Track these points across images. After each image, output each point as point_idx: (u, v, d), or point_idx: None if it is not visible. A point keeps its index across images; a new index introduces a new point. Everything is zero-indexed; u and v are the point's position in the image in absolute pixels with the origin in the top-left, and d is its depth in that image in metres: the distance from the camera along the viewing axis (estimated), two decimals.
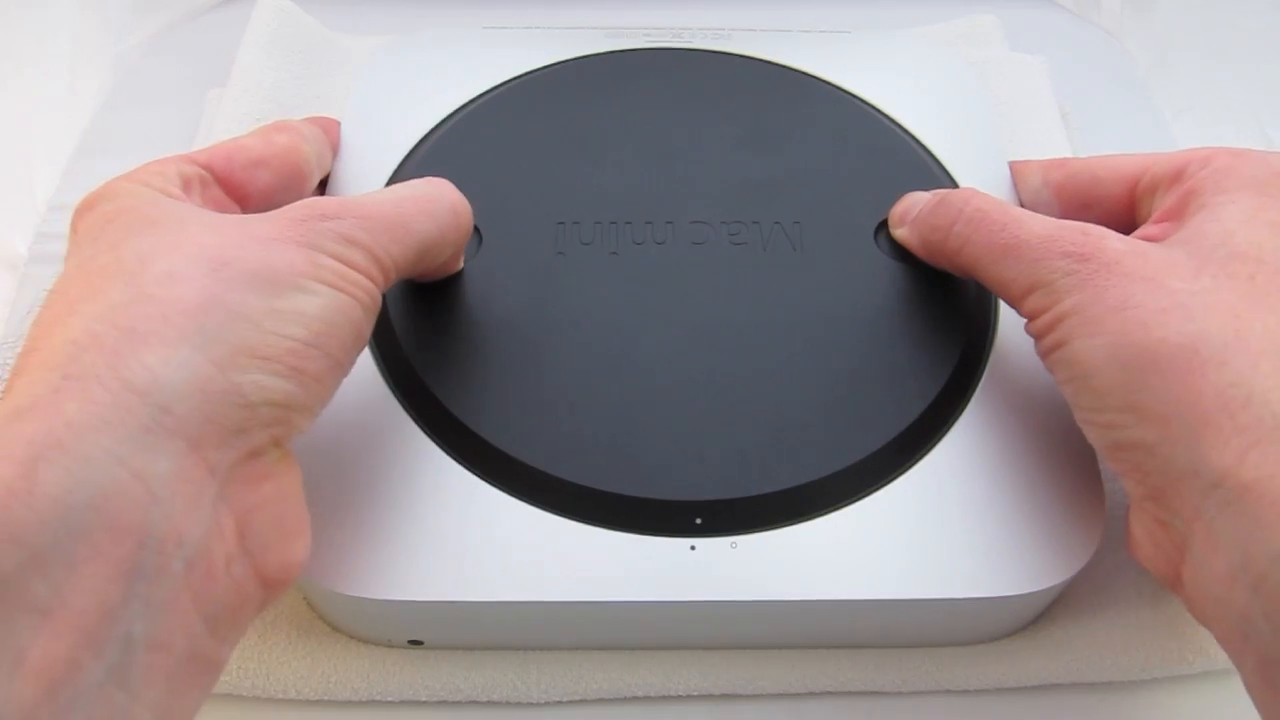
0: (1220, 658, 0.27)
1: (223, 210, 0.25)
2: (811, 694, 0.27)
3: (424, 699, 0.27)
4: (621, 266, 0.29)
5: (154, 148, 0.26)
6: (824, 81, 0.35)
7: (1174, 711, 0.28)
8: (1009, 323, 0.29)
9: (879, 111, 0.34)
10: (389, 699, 0.27)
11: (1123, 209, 0.28)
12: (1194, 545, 0.21)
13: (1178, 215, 0.25)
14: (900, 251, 0.30)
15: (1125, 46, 0.48)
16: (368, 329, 0.23)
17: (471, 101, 0.34)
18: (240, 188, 0.26)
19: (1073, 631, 0.28)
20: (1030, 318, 0.25)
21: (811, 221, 0.31)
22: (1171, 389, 0.21)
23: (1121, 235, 0.24)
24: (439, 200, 0.25)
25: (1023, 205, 0.31)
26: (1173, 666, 0.27)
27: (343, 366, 0.22)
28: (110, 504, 0.17)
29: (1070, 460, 0.27)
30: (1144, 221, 0.27)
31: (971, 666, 0.27)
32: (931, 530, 0.25)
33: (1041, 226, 0.25)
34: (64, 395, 0.18)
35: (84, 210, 0.23)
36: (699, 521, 0.25)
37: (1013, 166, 0.32)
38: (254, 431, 0.20)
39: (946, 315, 0.29)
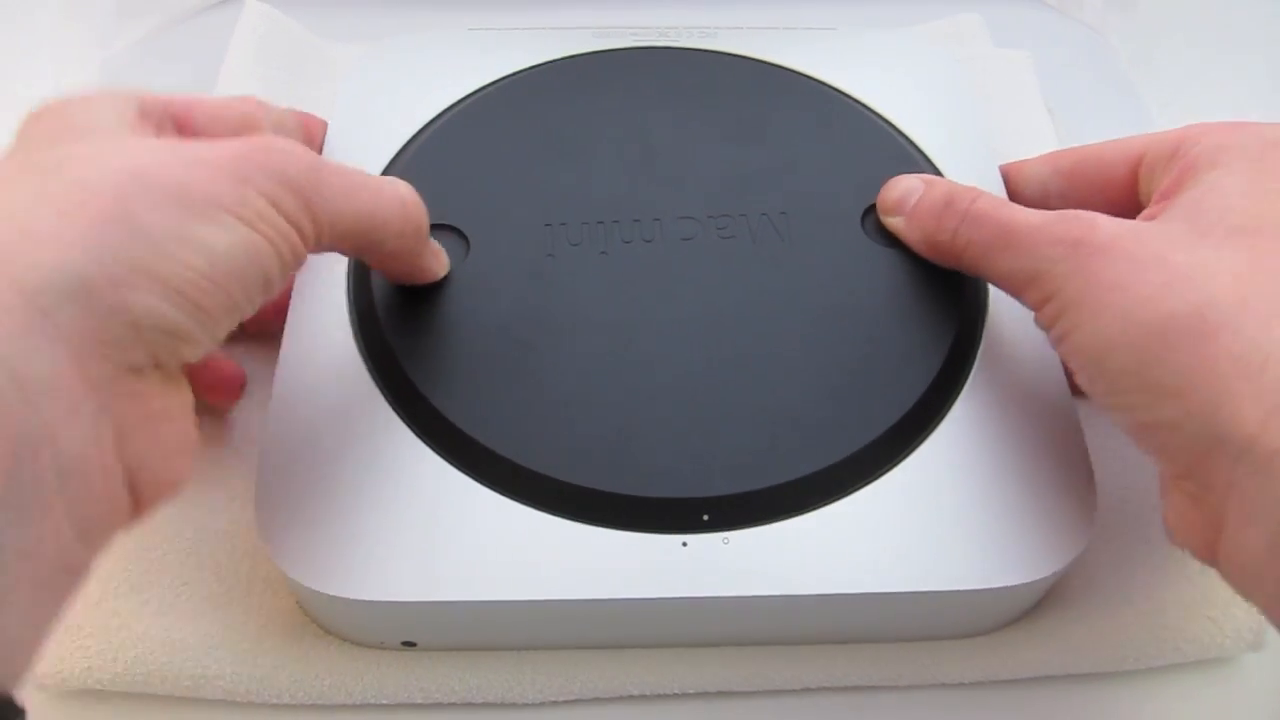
0: (1213, 647, 0.27)
1: None
2: (807, 690, 0.27)
3: (418, 701, 0.27)
4: (611, 266, 0.29)
5: None
6: (808, 77, 0.35)
7: (1168, 702, 0.28)
8: (999, 305, 0.30)
9: (863, 105, 0.35)
10: (383, 702, 0.27)
11: (1128, 189, 0.28)
12: (1229, 518, 0.21)
13: (1174, 192, 0.25)
14: (888, 237, 0.30)
15: (1109, 42, 0.48)
16: (280, 281, 0.22)
17: (457, 104, 0.34)
18: (196, 135, 0.25)
19: (1066, 623, 0.28)
20: (1035, 310, 0.25)
21: (798, 211, 0.31)
22: (1185, 361, 0.21)
23: (1115, 218, 0.24)
24: (387, 185, 0.25)
25: (1028, 201, 0.31)
26: (1166, 656, 0.27)
27: (241, 311, 0.21)
28: None
29: (1062, 451, 0.27)
30: (1146, 201, 0.27)
31: (965, 660, 0.27)
32: (924, 522, 0.25)
33: (1034, 217, 0.25)
34: None
35: (34, 119, 0.22)
36: (706, 518, 0.25)
37: (1011, 167, 0.32)
38: (134, 349, 0.19)
39: (938, 299, 0.29)
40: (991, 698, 0.28)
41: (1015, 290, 0.26)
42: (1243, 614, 0.27)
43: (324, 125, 0.32)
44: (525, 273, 0.29)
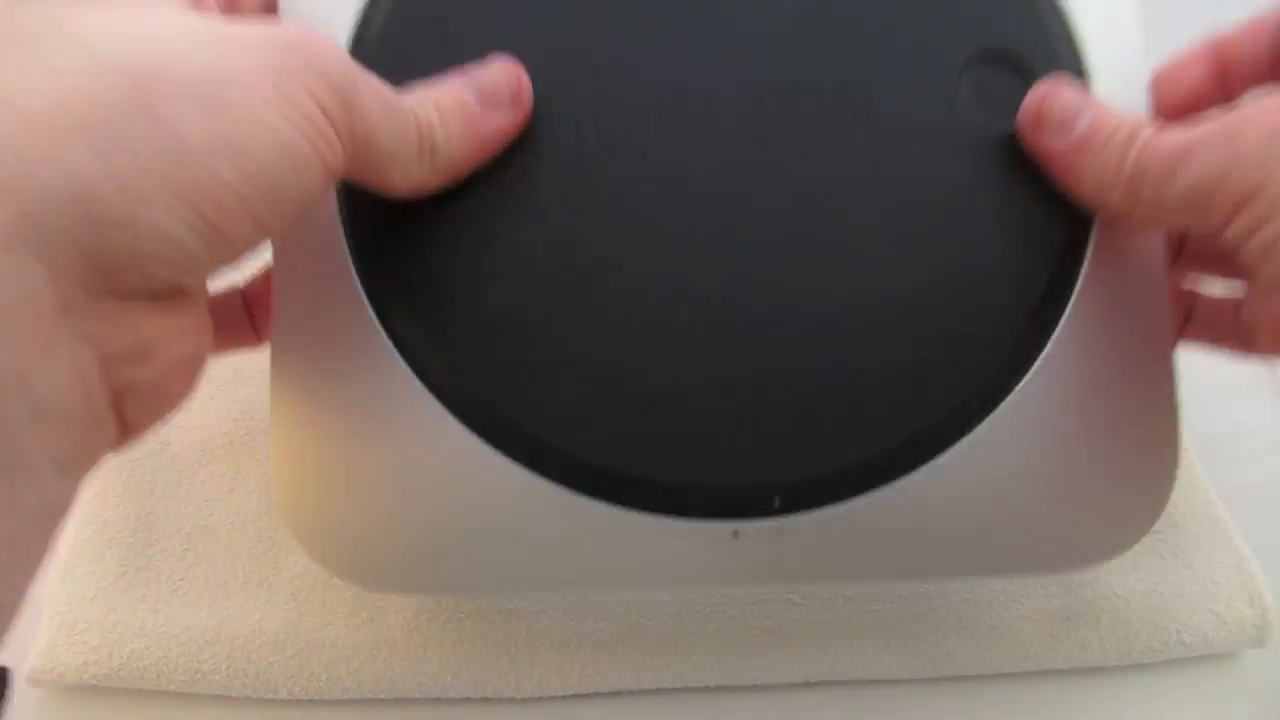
0: (1217, 642, 0.27)
1: None
2: (808, 684, 0.27)
3: (415, 696, 0.27)
4: (651, 172, 0.23)
5: None
6: None
7: (1172, 697, 0.28)
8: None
9: None
10: (379, 697, 0.27)
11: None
12: None
13: None
14: (993, 105, 0.24)
15: None
16: (318, 201, 0.18)
17: None
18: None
19: (1069, 619, 0.27)
20: (1228, 220, 0.20)
21: (882, 82, 0.24)
22: None
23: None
24: (420, 109, 0.20)
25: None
26: (1170, 651, 0.27)
27: (265, 235, 0.18)
28: None
29: (1149, 411, 0.24)
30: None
31: (967, 655, 0.27)
32: (1003, 495, 0.23)
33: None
34: None
35: None
36: (779, 503, 0.23)
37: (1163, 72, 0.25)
38: (125, 275, 0.16)
39: (1039, 207, 0.23)
40: (993, 693, 0.28)
41: (1200, 200, 0.20)
42: (1246, 609, 0.27)
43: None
44: (544, 189, 0.23)
